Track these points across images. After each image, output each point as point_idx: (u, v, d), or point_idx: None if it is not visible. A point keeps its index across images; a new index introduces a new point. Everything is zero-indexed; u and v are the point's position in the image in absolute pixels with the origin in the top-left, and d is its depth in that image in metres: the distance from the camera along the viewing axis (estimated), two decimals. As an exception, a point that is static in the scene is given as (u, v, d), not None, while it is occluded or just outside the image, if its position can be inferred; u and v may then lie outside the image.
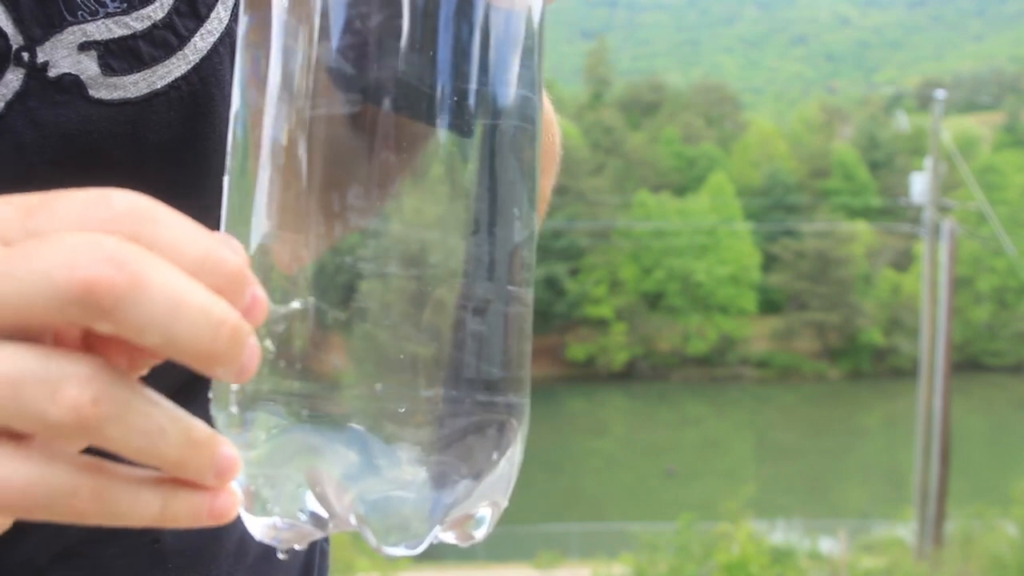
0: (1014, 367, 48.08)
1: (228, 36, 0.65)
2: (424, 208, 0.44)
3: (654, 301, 48.98)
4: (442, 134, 0.44)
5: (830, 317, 48.71)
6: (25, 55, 0.59)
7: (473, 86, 0.44)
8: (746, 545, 11.49)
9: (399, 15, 0.43)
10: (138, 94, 0.61)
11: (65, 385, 0.34)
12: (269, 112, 0.44)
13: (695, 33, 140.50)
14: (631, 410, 45.35)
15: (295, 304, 0.43)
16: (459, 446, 0.44)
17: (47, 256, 0.33)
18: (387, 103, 0.43)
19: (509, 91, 0.46)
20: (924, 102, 56.44)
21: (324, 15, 0.44)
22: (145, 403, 0.35)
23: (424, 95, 0.43)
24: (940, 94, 19.52)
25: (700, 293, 48.40)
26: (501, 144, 0.45)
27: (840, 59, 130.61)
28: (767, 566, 11.45)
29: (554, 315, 46.74)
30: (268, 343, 0.43)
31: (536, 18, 0.47)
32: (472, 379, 0.44)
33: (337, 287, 0.43)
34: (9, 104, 0.59)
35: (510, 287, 0.45)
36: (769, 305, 50.45)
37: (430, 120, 0.44)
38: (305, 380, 0.43)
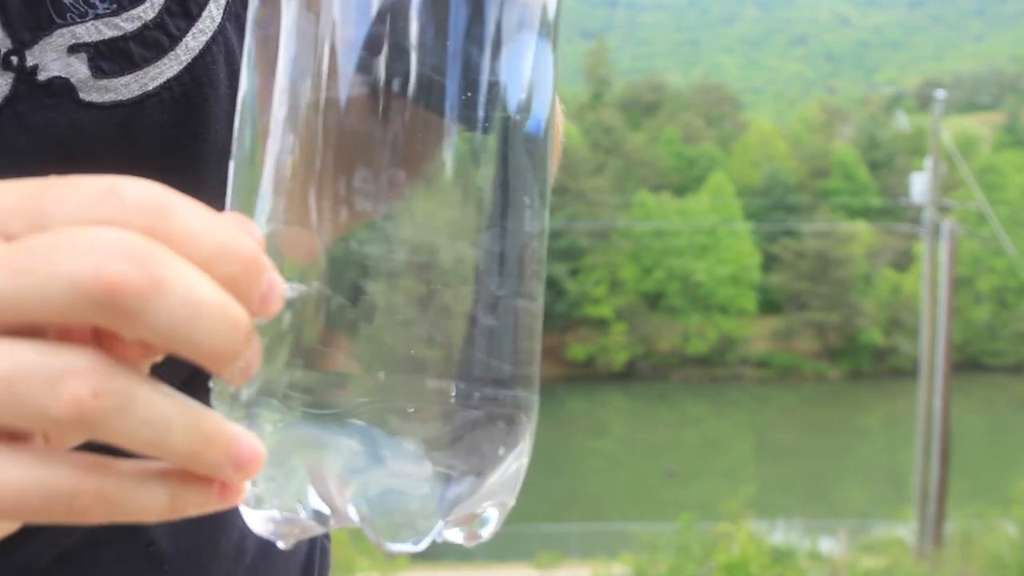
0: (1014, 367, 48.09)
1: (221, 35, 0.64)
2: (436, 201, 0.44)
3: (654, 301, 48.99)
4: (456, 127, 0.43)
5: (830, 317, 48.72)
6: (14, 59, 0.58)
7: (488, 79, 0.44)
8: (746, 545, 11.49)
9: (412, 4, 0.43)
10: (130, 96, 0.61)
11: (64, 379, 0.33)
12: (278, 97, 0.44)
13: (695, 33, 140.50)
14: (631, 410, 45.36)
15: (300, 294, 0.42)
16: (465, 441, 0.44)
17: (66, 253, 0.32)
18: (399, 91, 0.43)
19: (524, 86, 0.45)
20: (924, 102, 56.43)
21: None
22: (150, 394, 0.34)
23: (438, 85, 0.43)
24: (940, 94, 19.52)
25: (700, 293, 48.40)
26: (515, 140, 0.45)
27: (840, 59, 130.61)
28: (767, 566, 11.46)
29: (554, 315, 46.68)
30: (270, 339, 0.42)
31: (552, 14, 0.47)
32: (481, 374, 0.44)
33: (345, 279, 0.43)
34: None
35: (521, 282, 0.45)
36: (769, 305, 50.46)
37: (444, 111, 0.43)
38: (310, 372, 0.42)
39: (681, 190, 52.67)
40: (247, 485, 0.38)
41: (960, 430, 24.14)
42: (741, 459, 37.60)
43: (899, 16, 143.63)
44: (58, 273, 0.32)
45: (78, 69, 0.59)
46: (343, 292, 0.42)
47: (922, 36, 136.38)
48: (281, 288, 0.37)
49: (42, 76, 0.58)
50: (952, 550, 14.02)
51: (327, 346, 0.42)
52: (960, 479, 21.15)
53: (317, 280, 0.42)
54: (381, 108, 0.43)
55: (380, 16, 0.43)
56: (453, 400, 0.43)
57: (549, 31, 0.47)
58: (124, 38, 0.60)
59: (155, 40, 0.61)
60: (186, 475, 0.36)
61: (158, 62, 0.61)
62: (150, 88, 0.61)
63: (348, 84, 0.43)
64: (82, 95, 0.59)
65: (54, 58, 0.58)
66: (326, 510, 0.43)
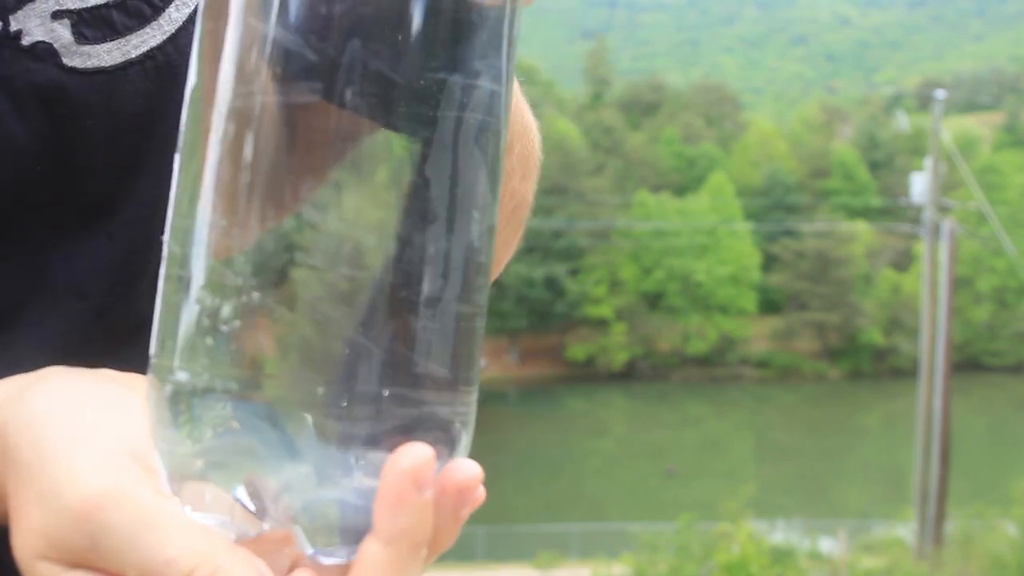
0: (1014, 367, 48.07)
1: None
2: (367, 200, 0.43)
3: (654, 301, 48.98)
4: (398, 125, 0.43)
5: (830, 317, 48.70)
6: None
7: (434, 76, 0.43)
8: (746, 545, 11.51)
9: (354, 5, 0.42)
10: (112, 63, 0.61)
11: None
12: (220, 92, 0.43)
13: (695, 33, 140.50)
14: (631, 410, 45.34)
15: (231, 299, 0.42)
16: (399, 444, 0.43)
17: None
18: (341, 90, 0.42)
19: (473, 83, 0.44)
20: (924, 102, 56.42)
21: None
22: None
23: (382, 83, 0.42)
24: (940, 94, 19.53)
25: (700, 293, 48.39)
26: (461, 138, 0.44)
27: (840, 59, 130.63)
28: (767, 566, 11.47)
29: (554, 315, 46.74)
30: (207, 338, 0.42)
31: (507, 9, 0.46)
32: (414, 377, 0.43)
33: (276, 280, 0.42)
34: None
35: (461, 285, 0.44)
36: (769, 305, 50.44)
37: (387, 108, 0.42)
38: (240, 374, 0.42)
39: (681, 190, 52.64)
40: (186, 484, 0.41)
41: (960, 430, 24.12)
42: (741, 459, 37.58)
43: (899, 16, 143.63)
44: None
45: (61, 35, 0.60)
46: (273, 296, 0.42)
47: (922, 36, 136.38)
48: None
49: (26, 41, 0.59)
50: (952, 550, 14.02)
51: (256, 349, 0.42)
52: (960, 479, 21.16)
53: (249, 283, 0.42)
54: (319, 110, 0.42)
55: (321, 15, 0.42)
56: (385, 403, 0.42)
57: (503, 27, 0.45)
58: (107, 6, 0.61)
59: (137, 10, 0.62)
60: None
61: (140, 31, 0.62)
62: (132, 56, 0.62)
63: (285, 84, 0.42)
64: (65, 60, 0.60)
65: (38, 23, 0.59)
66: (260, 514, 0.43)
